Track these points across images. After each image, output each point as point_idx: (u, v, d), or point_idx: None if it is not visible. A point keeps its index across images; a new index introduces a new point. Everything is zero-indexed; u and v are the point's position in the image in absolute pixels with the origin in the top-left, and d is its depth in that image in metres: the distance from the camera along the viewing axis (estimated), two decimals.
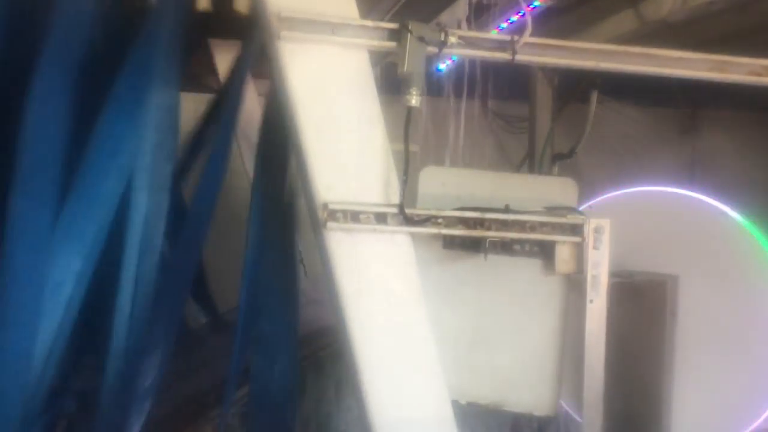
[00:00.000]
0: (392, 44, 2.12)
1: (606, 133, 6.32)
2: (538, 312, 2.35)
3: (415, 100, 2.12)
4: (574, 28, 4.30)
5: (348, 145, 2.14)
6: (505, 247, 2.25)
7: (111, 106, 2.24)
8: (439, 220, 2.16)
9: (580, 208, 2.50)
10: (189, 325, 3.61)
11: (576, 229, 2.20)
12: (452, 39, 2.11)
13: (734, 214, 2.91)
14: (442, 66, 4.72)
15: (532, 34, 2.19)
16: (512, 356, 2.36)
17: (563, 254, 2.22)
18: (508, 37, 2.18)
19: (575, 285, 2.30)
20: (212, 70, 4.44)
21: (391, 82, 2.24)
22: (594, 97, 4.80)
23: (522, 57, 2.19)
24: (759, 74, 2.34)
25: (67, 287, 2.13)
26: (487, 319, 2.36)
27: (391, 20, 2.16)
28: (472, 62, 4.53)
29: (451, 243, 2.29)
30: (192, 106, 3.90)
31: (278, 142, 2.58)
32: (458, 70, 4.79)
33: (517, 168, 6.06)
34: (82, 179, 2.20)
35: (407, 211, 2.12)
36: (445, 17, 3.73)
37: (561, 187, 2.50)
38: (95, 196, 2.21)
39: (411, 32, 2.07)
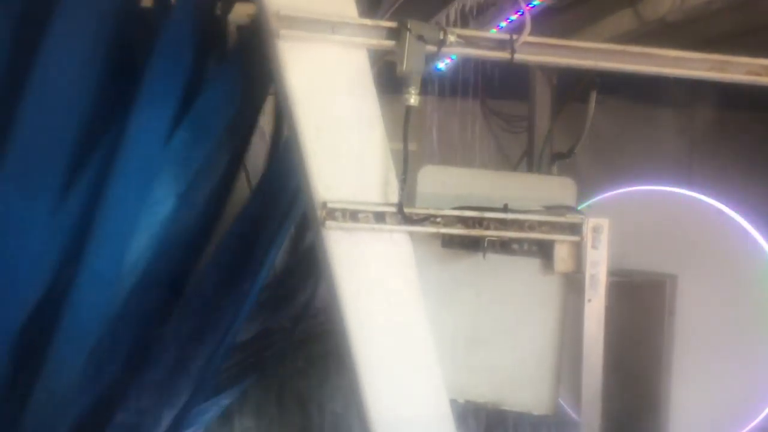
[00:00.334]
0: (391, 43, 2.12)
1: (605, 132, 6.30)
2: (537, 311, 2.35)
3: (413, 99, 2.12)
4: (573, 27, 4.30)
5: (347, 144, 2.13)
6: (504, 247, 2.25)
7: None
8: (438, 219, 2.16)
9: (579, 208, 2.50)
10: None
11: (575, 229, 2.21)
12: (451, 38, 2.11)
13: (732, 213, 2.92)
14: (441, 65, 4.72)
15: (531, 33, 2.19)
16: (511, 355, 2.36)
17: (562, 253, 2.23)
18: (507, 36, 2.18)
19: (574, 284, 2.30)
20: None
21: (389, 81, 2.24)
22: (593, 96, 4.81)
23: (521, 56, 2.19)
24: (758, 74, 2.34)
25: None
26: (485, 318, 2.36)
27: (390, 19, 2.16)
28: (471, 61, 4.53)
29: (449, 242, 2.29)
30: None
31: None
32: (457, 70, 4.78)
33: (516, 167, 6.06)
34: None
35: (406, 210, 2.12)
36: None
37: (560, 186, 2.51)
38: None
39: (410, 31, 2.07)
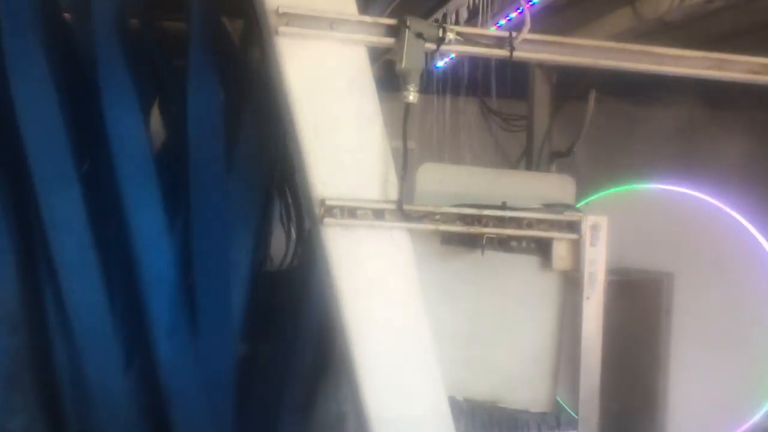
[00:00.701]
0: (390, 40, 2.12)
1: (603, 131, 6.31)
2: (535, 308, 2.35)
3: (413, 96, 2.12)
4: (572, 25, 4.29)
5: (346, 141, 2.13)
6: (503, 244, 2.25)
7: None
8: (437, 217, 2.16)
9: (578, 206, 2.50)
10: None
11: (573, 226, 2.21)
12: (450, 35, 2.11)
13: (730, 212, 2.92)
14: (440, 63, 4.71)
15: (531, 31, 2.19)
16: (509, 353, 2.36)
17: (560, 251, 2.23)
18: (506, 34, 2.18)
19: (572, 282, 2.30)
20: None
21: (389, 78, 2.24)
22: (592, 95, 4.80)
23: (520, 54, 2.19)
24: (757, 72, 2.35)
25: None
26: (484, 315, 2.36)
27: (389, 16, 2.16)
28: (471, 59, 4.53)
29: (449, 239, 2.29)
30: None
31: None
32: (456, 68, 4.78)
33: (515, 166, 6.06)
34: None
35: (405, 207, 2.12)
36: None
37: (559, 184, 2.51)
38: None
39: (409, 28, 2.07)
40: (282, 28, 2.05)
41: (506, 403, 2.39)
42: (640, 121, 7.14)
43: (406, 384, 2.16)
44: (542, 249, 2.25)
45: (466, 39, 2.17)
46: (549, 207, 2.29)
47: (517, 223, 2.19)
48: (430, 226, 2.16)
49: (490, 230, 2.18)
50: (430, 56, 2.16)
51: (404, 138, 2.16)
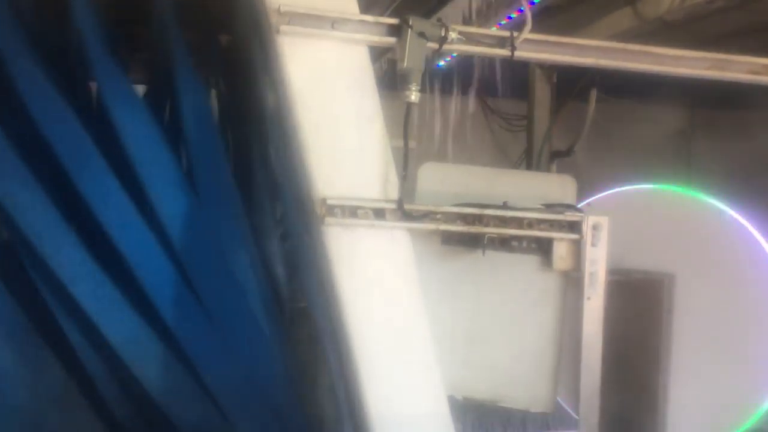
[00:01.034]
0: (392, 40, 2.12)
1: (604, 131, 6.32)
2: (536, 308, 2.35)
3: (414, 96, 2.12)
4: (573, 25, 4.30)
5: (347, 141, 2.13)
6: (503, 244, 2.25)
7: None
8: (438, 216, 2.16)
9: (578, 206, 2.50)
10: None
11: (574, 226, 2.21)
12: (452, 35, 2.11)
13: (731, 212, 2.92)
14: (442, 62, 4.71)
15: (532, 31, 2.19)
16: (509, 352, 2.36)
17: (561, 251, 2.23)
18: (507, 33, 2.18)
19: (573, 282, 2.30)
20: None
21: (390, 77, 2.24)
22: (593, 95, 4.80)
23: (521, 53, 2.19)
24: (758, 73, 2.35)
25: None
26: (484, 315, 2.36)
27: (391, 15, 2.16)
28: (471, 59, 4.53)
29: (449, 239, 2.29)
30: None
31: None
32: (457, 68, 4.79)
33: (516, 166, 6.06)
34: None
35: (406, 206, 2.12)
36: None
37: (560, 184, 2.51)
38: None
39: (411, 28, 2.07)
40: (283, 27, 2.05)
41: (506, 402, 2.39)
42: (640, 121, 7.15)
43: (406, 383, 2.16)
44: (543, 249, 2.25)
45: (468, 38, 2.16)
46: (550, 207, 2.29)
47: (517, 222, 2.18)
48: (431, 226, 2.16)
49: (491, 230, 2.18)
50: (431, 56, 2.16)
51: (405, 137, 2.15)
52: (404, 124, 2.14)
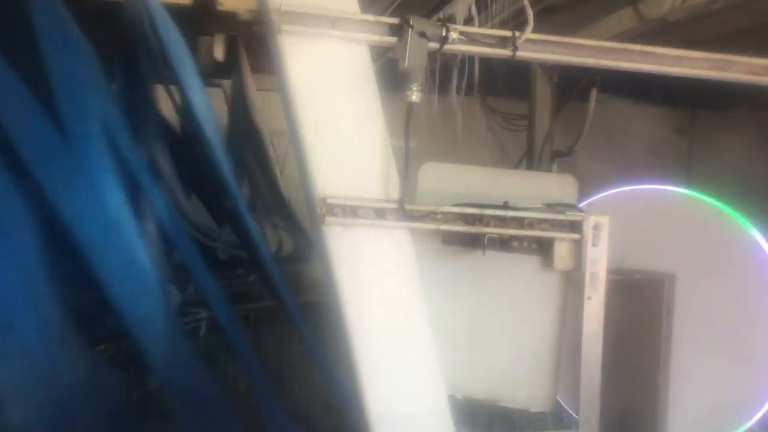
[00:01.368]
0: (393, 39, 2.12)
1: (604, 131, 6.32)
2: (536, 308, 2.36)
3: (415, 95, 2.12)
4: (574, 26, 4.30)
5: (347, 140, 2.13)
6: (504, 244, 2.25)
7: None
8: (438, 216, 2.16)
9: (579, 206, 2.50)
10: None
11: (575, 226, 2.21)
12: (453, 34, 2.11)
13: (731, 212, 2.92)
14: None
15: (533, 31, 2.19)
16: (510, 352, 2.36)
17: (561, 251, 2.23)
18: (509, 34, 2.18)
19: (573, 282, 2.30)
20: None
21: (391, 77, 2.24)
22: (593, 95, 4.80)
23: (523, 53, 2.20)
24: (758, 73, 2.35)
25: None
26: (485, 314, 2.37)
27: (392, 15, 2.16)
28: (472, 59, 4.53)
29: (450, 239, 2.29)
30: None
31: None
32: (458, 67, 4.77)
33: (516, 166, 6.06)
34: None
35: (406, 206, 2.12)
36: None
37: (561, 184, 2.51)
38: None
39: (412, 27, 2.07)
40: (284, 26, 2.06)
41: (506, 402, 2.39)
42: (641, 121, 7.14)
43: (407, 383, 2.16)
44: (543, 249, 2.25)
45: (469, 38, 2.16)
46: (550, 207, 2.29)
47: (518, 222, 2.19)
48: (432, 226, 2.16)
49: (492, 230, 2.18)
50: (432, 55, 2.16)
51: (406, 137, 2.15)
52: (405, 124, 2.15)
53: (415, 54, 2.07)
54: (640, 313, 2.77)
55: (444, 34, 2.10)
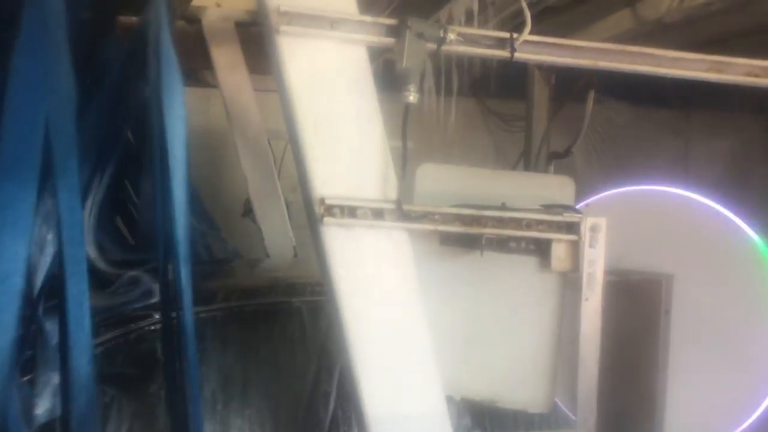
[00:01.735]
0: (391, 40, 2.12)
1: (601, 132, 6.34)
2: (534, 309, 2.36)
3: (413, 96, 2.12)
4: (571, 27, 4.31)
5: (345, 141, 2.14)
6: (502, 245, 2.25)
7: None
8: (436, 217, 2.16)
9: (576, 207, 2.50)
10: None
11: (572, 227, 2.21)
12: (451, 36, 2.12)
13: (728, 213, 2.93)
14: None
15: (531, 33, 2.20)
16: (507, 353, 2.37)
17: (559, 252, 2.23)
18: (507, 35, 2.18)
19: (571, 283, 2.30)
20: (208, 64, 4.43)
21: (389, 78, 2.24)
22: (591, 96, 4.80)
23: (521, 55, 2.20)
24: (756, 75, 2.35)
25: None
26: (482, 315, 2.37)
27: (390, 16, 2.16)
28: (470, 60, 4.54)
29: (447, 240, 2.29)
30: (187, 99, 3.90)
31: None
32: (456, 68, 4.78)
33: (513, 166, 6.07)
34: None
35: (404, 207, 2.12)
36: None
37: (558, 185, 2.51)
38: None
39: (410, 28, 2.07)
40: (283, 27, 2.06)
41: (504, 403, 2.39)
42: (638, 122, 7.16)
43: (404, 383, 2.16)
44: (541, 250, 2.25)
45: (467, 39, 2.17)
46: (548, 208, 2.29)
47: (516, 223, 2.19)
48: (429, 227, 2.16)
49: (489, 231, 2.18)
50: (430, 56, 2.16)
51: (404, 138, 2.16)
52: (402, 125, 2.15)
53: (412, 55, 2.07)
54: (637, 313, 2.78)
55: (442, 35, 2.10)
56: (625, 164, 6.39)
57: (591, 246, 2.20)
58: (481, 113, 6.73)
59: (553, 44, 2.24)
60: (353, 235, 2.10)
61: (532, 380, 2.36)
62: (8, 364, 1.93)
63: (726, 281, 2.85)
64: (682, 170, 7.39)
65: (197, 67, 4.60)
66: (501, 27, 3.94)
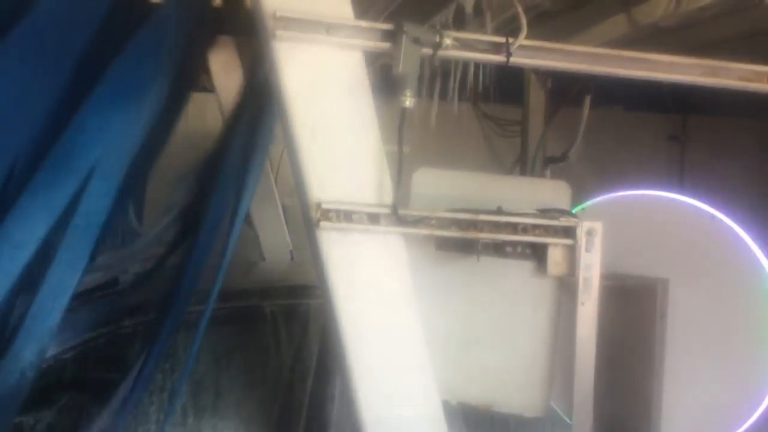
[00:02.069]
0: (387, 45, 2.13)
1: (597, 137, 6.35)
2: (530, 313, 2.36)
3: (409, 101, 2.12)
4: (567, 32, 4.31)
5: (342, 145, 2.14)
6: (498, 249, 2.26)
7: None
8: (432, 222, 2.16)
9: (573, 211, 2.51)
10: None
11: (568, 232, 2.21)
12: (447, 40, 2.12)
13: (724, 218, 2.94)
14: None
15: (526, 37, 2.20)
16: (503, 357, 2.37)
17: (555, 256, 2.23)
18: (503, 40, 2.19)
19: (567, 287, 2.31)
20: (205, 68, 4.43)
21: (385, 83, 2.25)
22: (587, 101, 4.81)
23: (517, 60, 2.20)
24: (750, 80, 2.36)
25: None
26: (478, 319, 2.37)
27: (386, 21, 2.17)
28: (466, 65, 4.55)
29: (444, 244, 2.29)
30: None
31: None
32: (452, 73, 4.79)
33: (510, 171, 6.08)
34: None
35: (400, 211, 2.12)
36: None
37: (554, 189, 2.52)
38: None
39: (406, 33, 2.07)
40: (279, 32, 2.06)
41: (500, 407, 2.39)
42: (634, 127, 7.18)
43: (401, 388, 2.16)
44: (537, 254, 2.25)
45: (463, 44, 2.17)
46: (544, 212, 2.29)
47: (512, 228, 2.19)
48: (425, 231, 2.16)
49: (486, 235, 2.18)
50: (426, 61, 2.17)
51: (399, 142, 2.16)
52: (398, 129, 2.15)
53: (408, 60, 2.08)
54: (633, 318, 2.78)
55: (438, 40, 2.11)
56: (621, 169, 6.40)
57: (587, 250, 2.20)
58: (477, 118, 6.74)
59: (549, 49, 2.25)
60: (349, 239, 2.10)
61: (529, 384, 2.36)
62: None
63: (721, 285, 2.86)
64: (678, 175, 7.41)
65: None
66: (497, 32, 3.95)
